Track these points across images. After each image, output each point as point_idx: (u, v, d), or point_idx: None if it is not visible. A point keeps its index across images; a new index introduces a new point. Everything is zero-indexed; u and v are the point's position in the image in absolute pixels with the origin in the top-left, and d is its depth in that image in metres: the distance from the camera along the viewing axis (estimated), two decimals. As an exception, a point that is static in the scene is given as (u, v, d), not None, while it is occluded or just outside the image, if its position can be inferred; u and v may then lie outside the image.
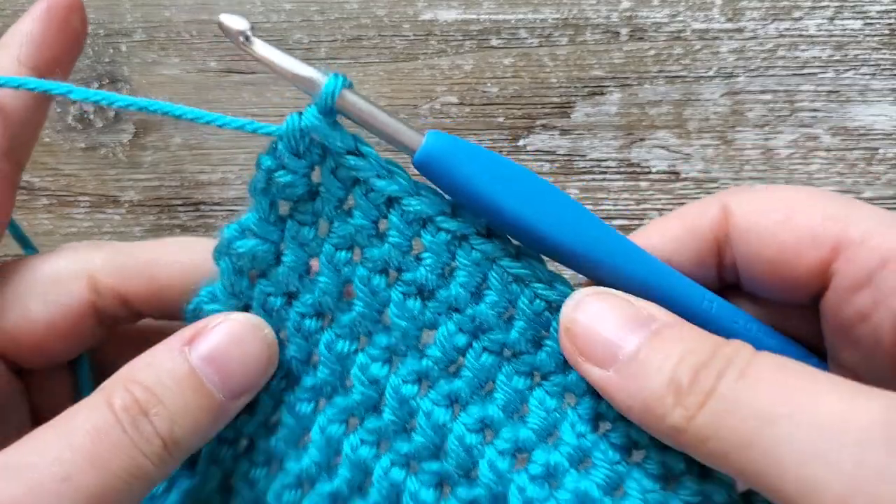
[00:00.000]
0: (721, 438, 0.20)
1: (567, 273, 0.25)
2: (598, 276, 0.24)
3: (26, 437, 0.22)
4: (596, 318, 0.23)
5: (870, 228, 0.23)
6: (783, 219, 0.24)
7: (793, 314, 0.25)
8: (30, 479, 0.21)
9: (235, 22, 0.23)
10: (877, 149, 0.39)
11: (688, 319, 0.23)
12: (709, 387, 0.20)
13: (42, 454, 0.21)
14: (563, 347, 0.24)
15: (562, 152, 0.39)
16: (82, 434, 0.22)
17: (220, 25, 0.23)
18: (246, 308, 0.26)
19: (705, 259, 0.25)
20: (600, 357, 0.23)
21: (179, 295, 0.27)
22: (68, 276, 0.27)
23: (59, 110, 0.41)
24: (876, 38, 0.39)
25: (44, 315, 0.27)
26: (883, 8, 0.39)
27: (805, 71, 0.39)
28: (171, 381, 0.23)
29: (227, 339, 0.25)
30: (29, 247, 0.30)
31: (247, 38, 0.23)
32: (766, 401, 0.20)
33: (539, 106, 0.39)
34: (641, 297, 0.24)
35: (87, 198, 0.41)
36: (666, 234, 0.25)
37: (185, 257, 0.27)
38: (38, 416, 0.29)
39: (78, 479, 0.21)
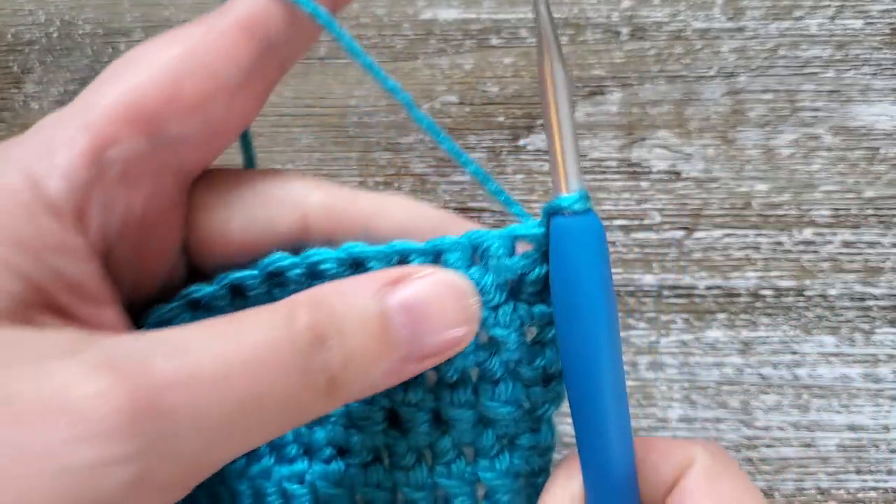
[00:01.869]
0: None
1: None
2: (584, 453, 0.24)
3: (199, 323, 0.21)
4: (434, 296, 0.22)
5: None
6: None
7: None
8: (188, 366, 0.19)
9: None
10: (878, 148, 0.39)
11: None
12: None
13: (208, 346, 0.20)
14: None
15: (562, 152, 0.39)
16: (254, 341, 0.20)
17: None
18: None
19: None
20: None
21: None
22: (285, 205, 0.25)
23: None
24: (877, 38, 0.39)
25: (244, 233, 0.25)
26: (884, 7, 0.39)
27: (806, 70, 0.39)
28: (358, 316, 0.21)
29: (430, 295, 0.22)
30: (250, 161, 0.29)
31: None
32: None
33: (540, 105, 0.39)
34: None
35: (85, 198, 0.41)
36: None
37: (405, 217, 0.26)
38: None
39: (237, 382, 0.19)
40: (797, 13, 0.39)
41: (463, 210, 0.40)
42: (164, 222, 0.25)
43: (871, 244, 0.38)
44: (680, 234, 0.39)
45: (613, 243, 0.39)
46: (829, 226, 0.38)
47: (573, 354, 0.22)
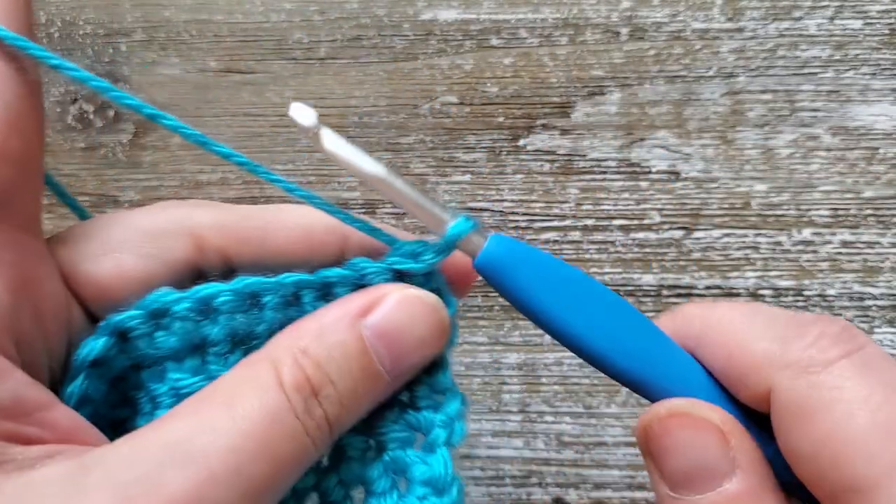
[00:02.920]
0: None
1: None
2: (645, 393, 0.24)
3: (190, 409, 0.21)
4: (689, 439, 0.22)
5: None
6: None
7: None
8: (204, 469, 0.20)
9: (305, 116, 0.22)
10: (877, 148, 0.39)
11: None
12: None
13: (215, 439, 0.20)
14: (640, 445, 0.23)
15: (562, 152, 0.39)
16: (255, 421, 0.21)
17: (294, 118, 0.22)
18: None
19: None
20: (682, 478, 0.22)
21: (288, 260, 0.25)
22: (170, 231, 0.25)
23: (58, 110, 0.41)
24: (876, 38, 0.39)
25: (139, 269, 0.24)
26: (883, 7, 0.39)
27: (805, 70, 0.39)
28: (342, 358, 0.22)
29: (400, 315, 0.23)
30: (79, 211, 0.28)
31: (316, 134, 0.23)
32: None
33: (539, 106, 0.39)
34: None
35: (86, 198, 0.41)
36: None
37: (301, 222, 0.26)
38: None
39: (250, 470, 0.20)
40: (796, 14, 0.39)
41: (463, 210, 0.40)
42: (41, 277, 0.24)
43: (870, 244, 0.38)
44: (679, 233, 0.39)
45: (613, 243, 0.39)
46: (828, 226, 0.38)
47: (568, 337, 0.23)
